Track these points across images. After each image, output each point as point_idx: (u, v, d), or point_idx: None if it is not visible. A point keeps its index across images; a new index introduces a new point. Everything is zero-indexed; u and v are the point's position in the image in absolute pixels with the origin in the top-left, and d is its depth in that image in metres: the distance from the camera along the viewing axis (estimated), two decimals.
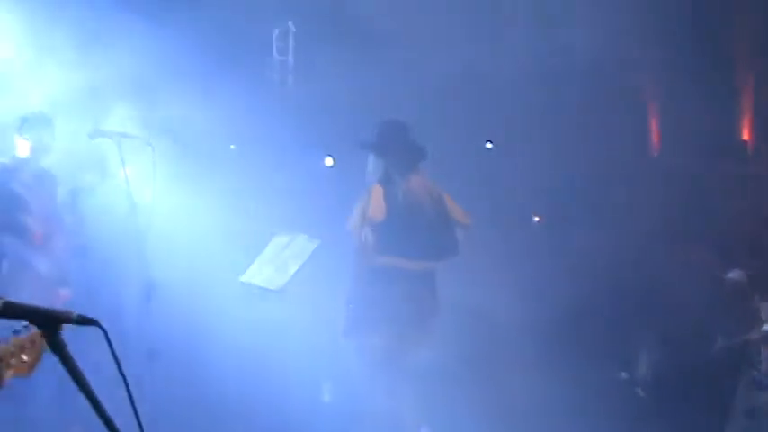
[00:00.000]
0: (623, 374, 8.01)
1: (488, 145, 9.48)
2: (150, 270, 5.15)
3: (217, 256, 7.50)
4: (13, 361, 2.72)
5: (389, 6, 7.85)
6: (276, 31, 8.75)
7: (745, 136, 9.86)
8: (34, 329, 2.73)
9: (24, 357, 2.76)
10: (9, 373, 2.71)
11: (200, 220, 7.67)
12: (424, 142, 6.52)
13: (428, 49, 8.22)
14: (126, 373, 2.59)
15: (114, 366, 2.74)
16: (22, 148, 6.44)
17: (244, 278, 6.63)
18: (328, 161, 8.82)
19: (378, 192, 6.30)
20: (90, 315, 2.52)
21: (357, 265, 6.32)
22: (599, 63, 8.56)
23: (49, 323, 2.47)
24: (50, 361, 2.83)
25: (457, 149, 8.65)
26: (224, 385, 7.14)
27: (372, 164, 6.33)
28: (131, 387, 2.73)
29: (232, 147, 8.67)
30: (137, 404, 2.52)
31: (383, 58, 8.24)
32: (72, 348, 2.49)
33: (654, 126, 9.76)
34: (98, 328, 2.45)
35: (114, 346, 2.58)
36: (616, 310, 8.22)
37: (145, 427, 2.50)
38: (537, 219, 10.02)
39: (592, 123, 8.88)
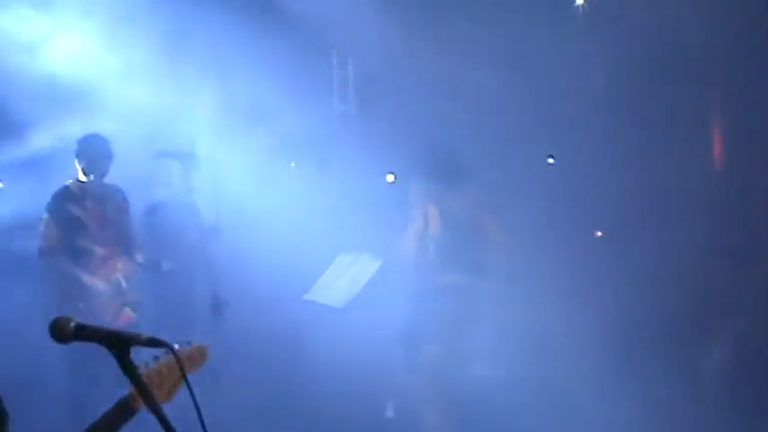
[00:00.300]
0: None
1: (550, 160, 9.41)
2: (218, 286, 5.18)
3: (282, 273, 7.56)
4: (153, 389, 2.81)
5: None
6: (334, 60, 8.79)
7: None
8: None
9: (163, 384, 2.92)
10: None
11: (264, 236, 7.76)
12: (485, 157, 6.66)
13: (488, 65, 8.19)
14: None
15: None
16: (80, 171, 6.63)
17: (307, 296, 6.68)
18: (389, 178, 8.83)
19: (434, 211, 6.56)
20: (160, 332, 2.56)
21: (417, 280, 6.62)
22: (661, 75, 8.47)
23: (119, 345, 2.52)
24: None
25: (519, 164, 8.61)
26: (290, 400, 7.18)
27: (416, 185, 6.71)
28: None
29: (292, 164, 8.73)
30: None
31: (442, 73, 8.25)
32: None
33: (717, 138, 9.58)
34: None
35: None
36: (679, 324, 8.09)
37: None
38: (599, 234, 9.91)
39: (654, 136, 8.76)
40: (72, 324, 2.59)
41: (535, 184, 8.87)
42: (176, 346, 2.78)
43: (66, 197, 6.66)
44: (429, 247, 6.58)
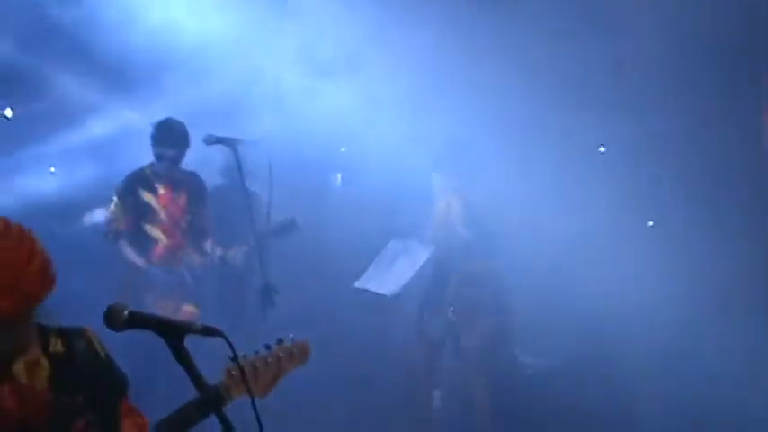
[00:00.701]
0: None
1: (601, 149, 9.31)
2: (269, 276, 5.16)
3: (331, 261, 7.60)
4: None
5: None
6: None
7: None
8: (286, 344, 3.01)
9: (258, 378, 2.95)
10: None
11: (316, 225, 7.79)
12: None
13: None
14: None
15: None
16: (155, 156, 6.43)
17: (358, 284, 6.68)
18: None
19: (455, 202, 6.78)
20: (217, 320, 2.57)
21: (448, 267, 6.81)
22: (717, 65, 8.33)
23: (173, 333, 2.52)
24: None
25: (573, 153, 8.54)
26: (337, 386, 7.19)
27: (437, 179, 6.95)
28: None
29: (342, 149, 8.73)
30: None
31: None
32: None
33: None
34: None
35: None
36: (735, 320, 7.97)
37: None
38: (650, 224, 9.80)
39: (708, 129, 8.61)
40: (126, 311, 2.59)
41: (587, 172, 8.80)
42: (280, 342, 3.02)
43: (137, 182, 6.47)
44: (454, 236, 6.75)
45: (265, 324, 5.30)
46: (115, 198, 6.45)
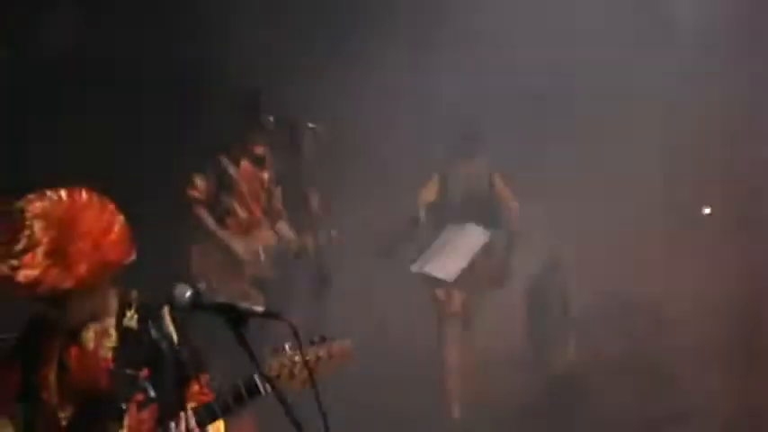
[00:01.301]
0: None
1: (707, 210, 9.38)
2: (324, 261, 5.16)
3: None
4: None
5: None
6: None
7: None
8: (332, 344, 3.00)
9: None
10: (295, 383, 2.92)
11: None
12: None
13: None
14: None
15: None
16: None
17: (415, 267, 6.59)
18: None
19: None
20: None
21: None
22: None
23: (235, 317, 2.53)
24: None
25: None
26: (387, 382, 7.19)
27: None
28: None
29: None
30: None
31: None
32: None
33: None
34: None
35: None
36: None
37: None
38: (707, 211, 9.68)
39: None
40: (189, 293, 2.60)
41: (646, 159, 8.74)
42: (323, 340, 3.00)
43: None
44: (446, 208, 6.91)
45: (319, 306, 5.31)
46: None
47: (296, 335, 2.55)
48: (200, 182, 6.13)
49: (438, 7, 8.03)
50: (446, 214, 6.89)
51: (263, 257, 6.25)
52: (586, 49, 7.95)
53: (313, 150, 5.47)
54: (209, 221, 6.13)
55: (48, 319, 2.90)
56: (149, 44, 6.98)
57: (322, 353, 2.98)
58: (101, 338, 2.93)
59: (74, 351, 2.92)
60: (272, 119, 5.25)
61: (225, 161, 6.15)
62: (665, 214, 9.04)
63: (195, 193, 6.13)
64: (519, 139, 8.10)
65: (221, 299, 2.59)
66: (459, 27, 7.85)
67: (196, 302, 2.62)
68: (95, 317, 2.91)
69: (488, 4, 7.70)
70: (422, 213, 6.90)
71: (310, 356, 2.94)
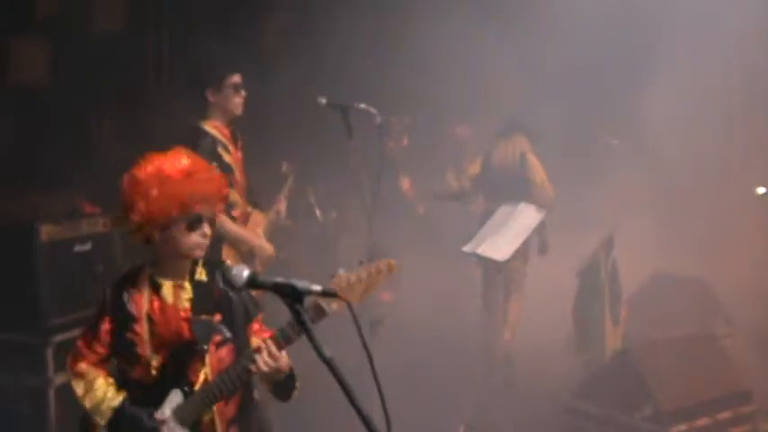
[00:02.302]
0: None
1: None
2: (374, 237, 5.15)
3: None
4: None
5: None
6: None
7: None
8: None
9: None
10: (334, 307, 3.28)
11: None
12: None
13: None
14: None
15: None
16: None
17: (467, 248, 6.57)
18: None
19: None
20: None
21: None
22: None
23: (292, 295, 2.55)
24: None
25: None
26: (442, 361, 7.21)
27: None
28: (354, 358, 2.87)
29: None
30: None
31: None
32: None
33: None
34: None
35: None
36: None
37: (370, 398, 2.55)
38: (763, 190, 9.55)
39: None
40: (245, 273, 2.66)
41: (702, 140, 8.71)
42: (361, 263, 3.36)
43: (216, 140, 5.53)
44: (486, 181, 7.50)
45: None
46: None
47: (352, 313, 2.57)
48: None
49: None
50: (486, 187, 7.48)
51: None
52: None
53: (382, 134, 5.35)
54: (229, 226, 5.38)
55: (131, 279, 3.50)
56: None
57: (372, 269, 3.36)
58: (178, 292, 3.48)
59: (157, 306, 3.47)
60: (324, 100, 5.22)
61: (221, 148, 5.48)
62: (717, 194, 8.98)
63: None
64: (568, 125, 8.17)
65: (279, 278, 2.62)
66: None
67: (253, 282, 2.69)
68: (174, 274, 3.48)
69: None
70: (467, 185, 7.60)
71: (361, 274, 3.34)
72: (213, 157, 5.22)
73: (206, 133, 5.38)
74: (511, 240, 6.43)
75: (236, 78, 5.47)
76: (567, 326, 7.22)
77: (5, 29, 6.76)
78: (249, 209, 5.71)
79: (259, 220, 5.73)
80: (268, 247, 5.56)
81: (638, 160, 9.10)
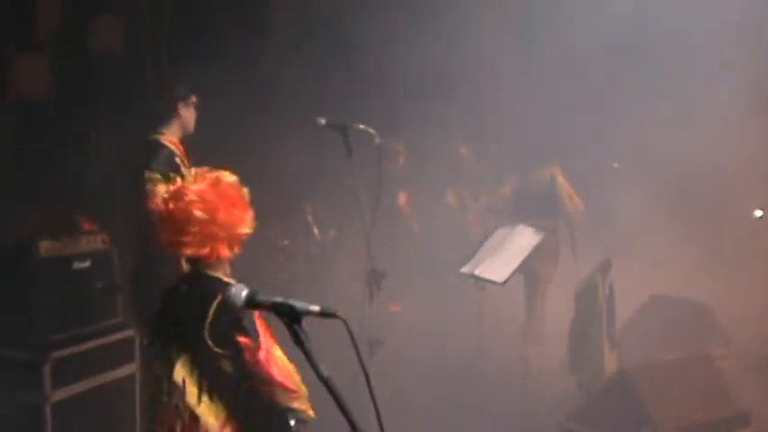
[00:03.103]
0: None
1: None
2: (376, 263, 5.16)
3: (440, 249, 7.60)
4: None
5: None
6: None
7: None
8: None
9: None
10: None
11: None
12: None
13: None
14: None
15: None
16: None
17: (465, 269, 6.56)
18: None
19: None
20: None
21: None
22: None
23: (290, 316, 2.56)
24: None
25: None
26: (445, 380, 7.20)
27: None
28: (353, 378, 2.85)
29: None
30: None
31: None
32: None
33: None
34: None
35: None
36: None
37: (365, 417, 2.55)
38: (759, 214, 9.58)
39: None
40: (244, 293, 2.66)
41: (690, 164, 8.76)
42: None
43: (173, 152, 5.52)
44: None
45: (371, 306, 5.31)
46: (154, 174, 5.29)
47: (349, 332, 2.58)
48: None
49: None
50: (518, 205, 7.97)
51: None
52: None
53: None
54: None
55: None
56: None
57: None
58: None
59: None
60: (323, 121, 5.23)
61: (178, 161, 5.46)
62: (714, 217, 9.01)
63: None
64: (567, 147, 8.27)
65: (278, 297, 2.63)
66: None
67: (252, 301, 2.69)
68: None
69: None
70: (499, 204, 8.18)
71: None
72: (172, 167, 5.30)
73: (164, 146, 5.48)
74: (508, 262, 6.43)
75: (195, 98, 5.64)
76: (564, 347, 7.22)
77: (6, 45, 6.78)
78: None
79: None
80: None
81: (637, 183, 9.13)
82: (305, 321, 2.57)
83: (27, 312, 5.52)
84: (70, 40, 7.25)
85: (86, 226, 6.04)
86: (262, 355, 3.42)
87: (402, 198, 8.64)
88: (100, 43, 7.54)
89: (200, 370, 3.51)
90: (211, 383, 3.50)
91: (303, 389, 3.53)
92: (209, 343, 3.43)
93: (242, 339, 3.42)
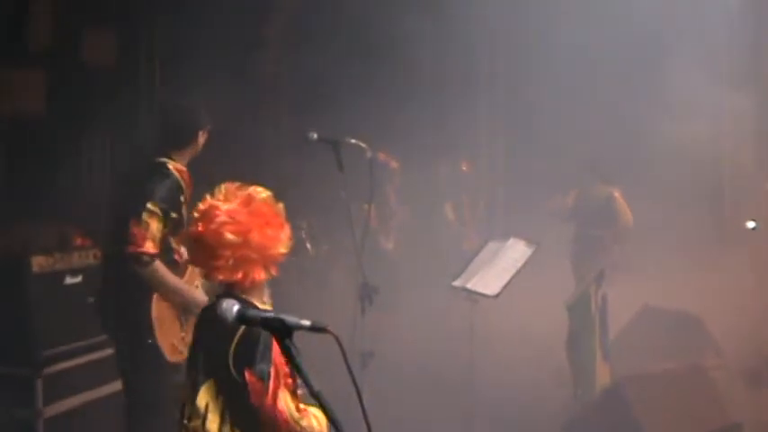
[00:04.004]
0: None
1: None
2: (365, 274, 5.16)
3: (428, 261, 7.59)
4: None
5: None
6: None
7: None
8: None
9: None
10: None
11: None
12: None
13: None
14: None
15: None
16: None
17: (457, 282, 6.55)
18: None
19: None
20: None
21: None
22: None
23: (282, 330, 2.57)
24: None
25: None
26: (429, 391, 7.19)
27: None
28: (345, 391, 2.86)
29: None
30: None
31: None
32: None
33: None
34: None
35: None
36: None
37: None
38: (752, 225, 9.61)
39: None
40: (237, 307, 2.67)
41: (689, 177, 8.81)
42: None
43: (179, 185, 5.14)
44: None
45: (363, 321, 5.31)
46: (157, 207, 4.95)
47: (340, 347, 2.58)
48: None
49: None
50: (578, 216, 8.90)
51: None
52: None
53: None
54: (166, 274, 4.95)
55: None
56: None
57: None
58: None
59: None
60: (315, 135, 5.23)
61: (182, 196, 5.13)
62: (707, 228, 9.05)
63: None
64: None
65: (268, 313, 2.64)
66: None
67: (243, 317, 2.70)
68: None
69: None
70: (565, 215, 9.02)
71: None
72: (173, 203, 5.01)
73: (170, 174, 5.10)
74: (500, 275, 6.42)
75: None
76: (557, 359, 7.23)
77: None
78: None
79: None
80: (201, 301, 4.89)
81: (633, 194, 9.19)
82: (296, 336, 2.58)
83: (19, 328, 5.51)
84: (63, 53, 7.25)
85: (78, 241, 6.04)
86: (268, 399, 3.25)
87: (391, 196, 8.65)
88: (93, 57, 7.54)
89: (224, 397, 3.37)
90: (233, 412, 3.36)
91: (313, 428, 3.36)
92: (232, 370, 3.27)
93: (249, 376, 3.24)
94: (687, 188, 9.47)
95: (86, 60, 7.48)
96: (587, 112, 9.36)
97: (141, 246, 4.85)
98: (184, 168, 5.24)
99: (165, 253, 5.01)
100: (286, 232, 3.39)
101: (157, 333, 4.94)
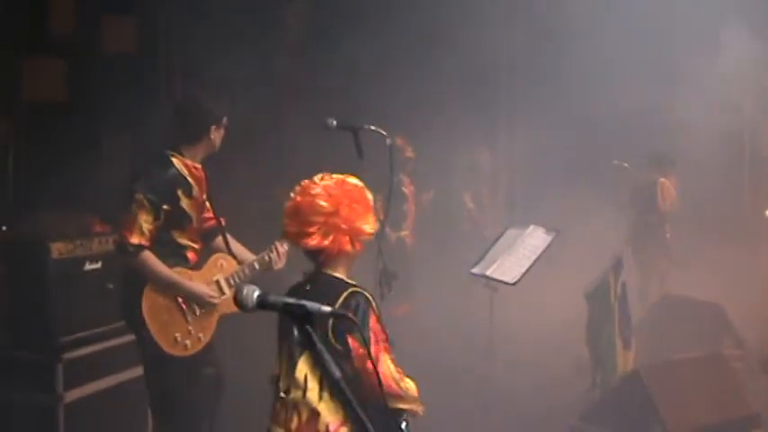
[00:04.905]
0: None
1: None
2: (386, 262, 5.14)
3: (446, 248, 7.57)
4: None
5: None
6: None
7: None
8: None
9: None
10: None
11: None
12: None
13: None
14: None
15: None
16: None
17: (476, 270, 6.53)
18: None
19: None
20: None
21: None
22: None
23: (302, 316, 2.57)
24: None
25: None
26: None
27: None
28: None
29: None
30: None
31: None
32: None
33: None
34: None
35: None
36: None
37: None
38: None
39: None
40: (256, 293, 2.67)
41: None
42: None
43: (180, 180, 5.09)
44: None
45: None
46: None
47: (361, 334, 2.59)
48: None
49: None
50: (635, 202, 9.56)
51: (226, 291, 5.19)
52: None
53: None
54: (156, 265, 4.91)
55: None
56: None
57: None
58: None
59: None
60: (334, 122, 5.21)
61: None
62: (728, 216, 9.01)
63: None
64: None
65: (289, 298, 2.64)
66: None
67: (263, 302, 2.69)
68: None
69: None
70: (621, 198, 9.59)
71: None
72: (166, 196, 4.93)
73: (170, 167, 5.03)
74: (519, 262, 6.38)
75: (226, 119, 5.23)
76: (575, 347, 7.20)
77: (19, 48, 6.81)
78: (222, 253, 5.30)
79: (222, 265, 5.23)
80: (202, 293, 5.01)
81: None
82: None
83: (39, 314, 5.55)
84: (83, 40, 7.26)
85: (98, 228, 6.07)
86: (371, 364, 3.39)
87: (407, 186, 8.68)
88: (113, 44, 7.56)
89: (322, 367, 3.37)
90: (331, 381, 3.44)
91: (411, 390, 3.59)
92: (332, 340, 3.44)
93: (353, 342, 3.44)
94: (710, 178, 9.45)
95: (106, 48, 7.49)
96: (608, 99, 9.29)
97: (126, 236, 4.87)
98: (196, 164, 5.16)
99: (174, 249, 5.04)
100: (373, 215, 3.67)
101: (151, 326, 4.92)
